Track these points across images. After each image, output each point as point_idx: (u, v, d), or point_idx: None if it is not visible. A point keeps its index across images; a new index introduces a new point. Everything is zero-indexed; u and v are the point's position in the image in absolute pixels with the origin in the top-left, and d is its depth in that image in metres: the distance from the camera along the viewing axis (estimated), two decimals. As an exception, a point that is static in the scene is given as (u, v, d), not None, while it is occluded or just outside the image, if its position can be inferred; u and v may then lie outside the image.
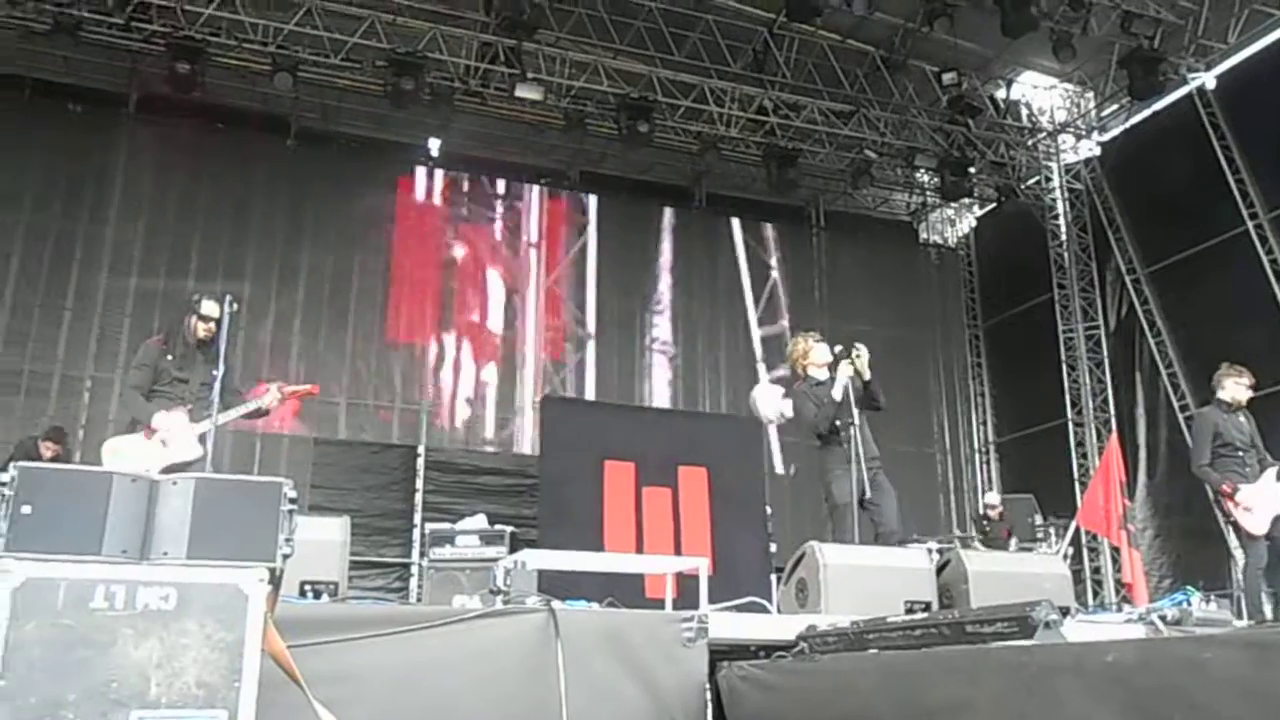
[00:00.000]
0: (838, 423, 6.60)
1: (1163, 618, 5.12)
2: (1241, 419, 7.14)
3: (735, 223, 16.54)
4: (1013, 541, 12.04)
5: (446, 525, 8.91)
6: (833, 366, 6.77)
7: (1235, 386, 7.17)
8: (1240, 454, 6.99)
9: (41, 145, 13.03)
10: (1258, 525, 6.81)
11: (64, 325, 12.68)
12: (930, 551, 5.66)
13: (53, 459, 8.79)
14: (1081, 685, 2.42)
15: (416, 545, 12.03)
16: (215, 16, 12.08)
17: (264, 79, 12.84)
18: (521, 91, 13.04)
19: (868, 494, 6.40)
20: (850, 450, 6.42)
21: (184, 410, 5.96)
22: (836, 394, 6.52)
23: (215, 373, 5.64)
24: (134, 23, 12.07)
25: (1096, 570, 14.12)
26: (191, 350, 6.10)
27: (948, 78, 13.93)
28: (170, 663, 2.58)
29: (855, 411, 6.57)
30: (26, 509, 2.65)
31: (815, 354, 6.89)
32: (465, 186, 15.23)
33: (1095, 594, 13.74)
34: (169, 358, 6.10)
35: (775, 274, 16.52)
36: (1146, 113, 14.33)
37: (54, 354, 12.58)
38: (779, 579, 6.04)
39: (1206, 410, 7.41)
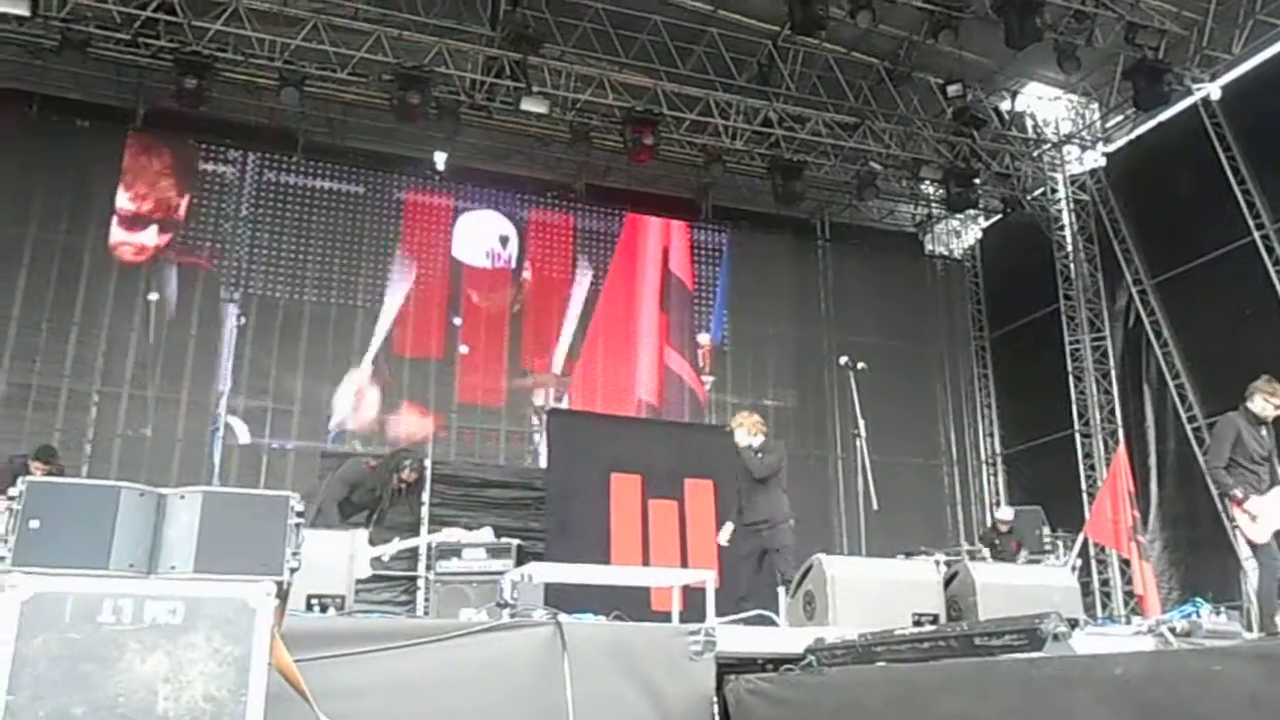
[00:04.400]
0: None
1: (1172, 630, 5.08)
2: (1264, 432, 7.18)
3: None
4: (1022, 554, 11.97)
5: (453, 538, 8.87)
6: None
7: (1264, 403, 7.17)
8: (1256, 466, 7.04)
9: (49, 160, 13.05)
10: (1259, 535, 6.89)
11: (71, 340, 12.69)
12: (938, 564, 5.66)
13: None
14: (1091, 698, 2.41)
15: (423, 558, 12.00)
16: (222, 32, 12.13)
17: (271, 94, 12.89)
18: (527, 105, 13.06)
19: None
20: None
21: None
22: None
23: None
24: (141, 39, 12.11)
25: (1105, 582, 14.03)
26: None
27: (952, 89, 13.96)
28: (177, 676, 2.58)
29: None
30: (34, 523, 2.65)
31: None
32: (471, 199, 15.25)
33: (1104, 606, 13.66)
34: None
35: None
36: (1152, 123, 14.31)
37: (61, 369, 12.58)
38: (786, 591, 6.04)
39: (1232, 415, 7.36)
